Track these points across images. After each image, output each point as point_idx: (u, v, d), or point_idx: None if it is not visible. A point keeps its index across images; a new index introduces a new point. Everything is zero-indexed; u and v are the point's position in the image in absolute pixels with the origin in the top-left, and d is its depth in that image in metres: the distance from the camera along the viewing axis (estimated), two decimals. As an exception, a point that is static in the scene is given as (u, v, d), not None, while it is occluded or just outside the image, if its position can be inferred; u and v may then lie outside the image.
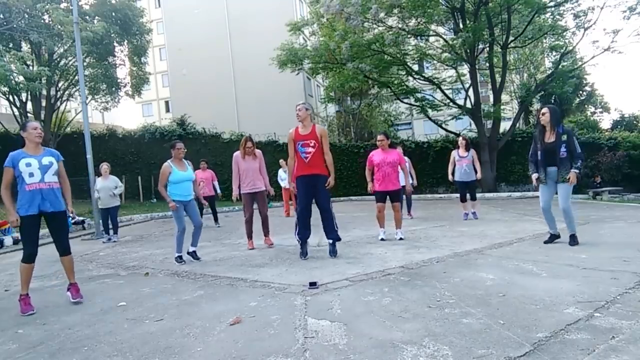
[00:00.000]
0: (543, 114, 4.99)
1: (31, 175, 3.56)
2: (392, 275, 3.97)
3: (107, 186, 8.14)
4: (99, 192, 8.16)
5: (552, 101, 22.50)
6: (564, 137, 4.86)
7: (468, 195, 8.10)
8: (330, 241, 5.06)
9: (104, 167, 8.21)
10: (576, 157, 4.83)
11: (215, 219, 9.98)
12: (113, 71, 18.38)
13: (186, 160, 5.55)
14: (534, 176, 5.15)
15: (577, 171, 4.80)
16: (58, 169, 3.76)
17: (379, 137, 6.25)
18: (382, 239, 6.07)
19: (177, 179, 5.28)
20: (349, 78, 17.22)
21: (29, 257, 3.60)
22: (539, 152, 5.04)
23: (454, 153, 8.19)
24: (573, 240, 4.96)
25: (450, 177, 8.23)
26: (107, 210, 8.20)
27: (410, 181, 7.36)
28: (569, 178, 4.81)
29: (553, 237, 5.19)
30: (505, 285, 3.40)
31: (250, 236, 6.18)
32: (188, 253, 5.46)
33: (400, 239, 6.02)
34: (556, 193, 5.04)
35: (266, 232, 6.27)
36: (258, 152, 6.21)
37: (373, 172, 6.24)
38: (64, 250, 3.80)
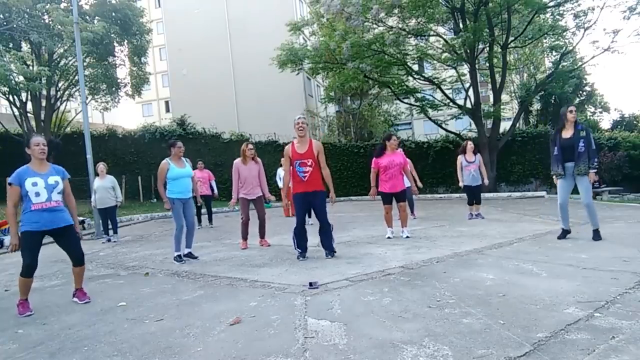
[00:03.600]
0: (573, 111, 5.18)
1: (37, 195, 3.54)
2: (392, 275, 3.97)
3: (104, 186, 8.14)
4: (96, 192, 8.17)
5: (552, 101, 22.52)
6: (583, 133, 5.12)
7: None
8: (330, 256, 5.03)
9: (101, 166, 8.22)
10: (592, 156, 5.07)
11: (210, 220, 10.00)
12: (113, 71, 18.36)
13: (185, 158, 5.56)
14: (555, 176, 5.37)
15: (594, 170, 5.09)
16: (63, 188, 3.75)
17: (393, 139, 6.27)
18: (388, 237, 6.19)
19: (175, 175, 5.30)
20: (349, 78, 17.22)
21: (28, 271, 3.54)
22: (556, 149, 5.26)
23: (460, 158, 8.13)
24: (597, 235, 5.15)
25: (461, 183, 8.13)
26: (105, 210, 8.22)
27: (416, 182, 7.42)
28: (589, 175, 5.06)
29: (565, 233, 5.39)
30: (505, 285, 3.40)
31: (245, 237, 6.25)
32: (185, 255, 5.46)
33: (407, 237, 6.13)
34: (577, 192, 5.27)
35: (262, 234, 6.34)
36: (258, 159, 6.29)
37: (378, 174, 6.25)
38: (77, 261, 3.78)
